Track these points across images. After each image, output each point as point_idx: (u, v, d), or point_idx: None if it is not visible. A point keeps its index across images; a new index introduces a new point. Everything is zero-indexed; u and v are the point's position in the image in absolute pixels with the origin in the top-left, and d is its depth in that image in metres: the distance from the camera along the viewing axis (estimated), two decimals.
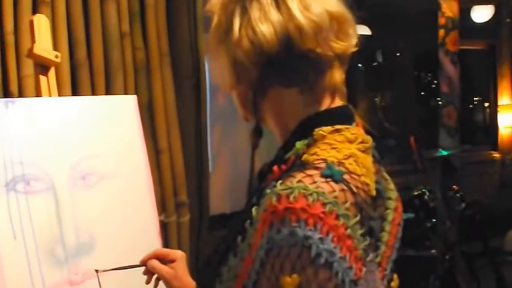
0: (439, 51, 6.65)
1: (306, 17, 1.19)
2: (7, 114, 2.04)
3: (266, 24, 1.18)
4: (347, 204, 1.09)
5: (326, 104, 1.26)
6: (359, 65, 8.58)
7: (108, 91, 2.88)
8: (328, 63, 1.22)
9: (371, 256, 1.17)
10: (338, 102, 1.28)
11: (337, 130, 1.21)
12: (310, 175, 1.10)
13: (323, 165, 1.12)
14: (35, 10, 2.58)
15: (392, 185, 1.40)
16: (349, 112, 1.30)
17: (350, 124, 1.25)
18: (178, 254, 1.73)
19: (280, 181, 1.11)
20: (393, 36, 8.40)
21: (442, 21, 6.62)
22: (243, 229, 1.18)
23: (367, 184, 1.16)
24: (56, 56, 2.19)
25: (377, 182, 1.22)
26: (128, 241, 2.32)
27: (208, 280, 1.26)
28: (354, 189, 1.12)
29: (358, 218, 1.11)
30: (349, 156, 1.17)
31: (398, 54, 8.87)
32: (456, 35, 6.63)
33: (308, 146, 1.20)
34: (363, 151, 1.21)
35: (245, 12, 1.21)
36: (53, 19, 2.65)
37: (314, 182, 1.09)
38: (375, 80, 8.67)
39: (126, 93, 2.94)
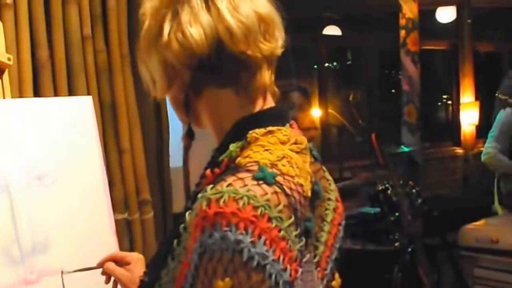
0: (400, 51, 6.70)
1: (235, 18, 1.17)
2: None
3: (195, 26, 1.16)
4: (280, 207, 1.07)
5: (259, 105, 1.23)
6: (335, 63, 8.62)
7: (71, 92, 2.84)
8: (257, 64, 1.20)
9: (308, 256, 1.15)
10: (270, 103, 1.26)
11: (270, 132, 1.19)
12: (241, 179, 1.07)
13: (255, 167, 1.10)
14: None
15: (333, 186, 1.39)
16: (282, 113, 1.28)
17: (283, 125, 1.23)
18: (135, 257, 1.72)
19: (211, 186, 1.08)
20: (361, 36, 8.43)
21: (402, 22, 6.68)
22: (179, 233, 1.16)
23: (301, 185, 1.14)
24: (9, 59, 2.15)
25: (314, 183, 1.21)
26: (83, 240, 2.28)
27: (148, 283, 1.25)
28: (288, 191, 1.09)
29: (292, 219, 1.08)
30: (282, 158, 1.14)
31: (366, 53, 8.91)
32: (416, 36, 6.68)
33: (242, 148, 1.18)
34: (297, 152, 1.19)
35: (175, 16, 1.19)
36: (15, 21, 2.61)
37: (245, 186, 1.06)
38: (347, 78, 8.71)
39: (89, 94, 2.89)
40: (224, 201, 1.03)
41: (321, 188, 1.26)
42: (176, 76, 1.21)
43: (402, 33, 6.69)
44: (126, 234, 3.08)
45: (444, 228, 4.79)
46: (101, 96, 2.99)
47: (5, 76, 2.18)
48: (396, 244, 4.59)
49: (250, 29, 1.18)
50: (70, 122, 2.33)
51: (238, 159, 1.15)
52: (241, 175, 1.08)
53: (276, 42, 1.23)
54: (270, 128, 1.19)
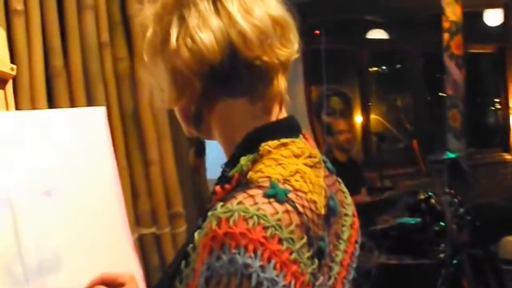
0: (444, 54, 6.55)
1: (248, 22, 1.11)
2: None
3: (205, 31, 1.10)
4: (292, 227, 1.02)
5: (275, 115, 1.18)
6: (377, 67, 8.52)
7: (90, 102, 2.74)
8: (273, 71, 1.14)
9: (321, 279, 1.09)
10: (284, 113, 1.21)
11: (284, 144, 1.13)
12: (252, 196, 1.03)
13: (267, 183, 1.05)
14: (8, 20, 2.45)
15: (349, 199, 1.32)
16: (295, 123, 1.22)
17: (296, 136, 1.18)
18: (127, 277, 1.65)
19: (221, 203, 1.03)
20: (404, 39, 8.31)
21: (446, 25, 6.54)
22: (187, 253, 1.12)
23: (315, 202, 1.08)
24: (12, 69, 2.05)
25: (330, 198, 1.15)
26: (97, 257, 2.17)
27: None
28: (300, 209, 1.04)
29: (304, 240, 1.03)
30: (296, 172, 1.09)
31: (410, 56, 8.79)
32: (460, 39, 6.52)
33: (254, 162, 1.12)
34: (311, 166, 1.13)
35: (183, 21, 1.12)
36: (27, 28, 2.52)
37: (256, 204, 1.01)
38: (391, 82, 8.61)
39: (108, 103, 2.79)
40: (234, 221, 0.99)
41: (337, 203, 1.20)
42: (187, 85, 1.14)
43: (446, 36, 6.53)
44: (155, 249, 2.95)
45: (487, 239, 4.60)
46: (122, 105, 2.88)
47: (9, 87, 2.08)
48: (441, 255, 4.44)
49: (265, 33, 1.12)
50: (82, 134, 2.23)
51: (250, 174, 1.10)
52: (251, 191, 1.04)
53: (292, 47, 1.18)
54: (284, 140, 1.14)
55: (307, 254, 1.03)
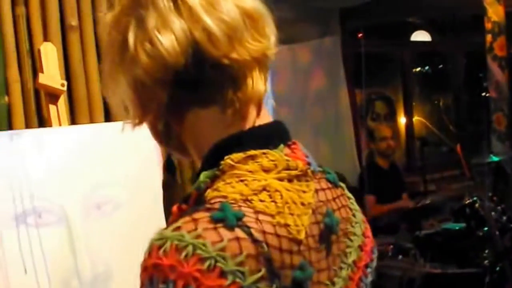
0: (487, 56, 6.44)
1: (213, 17, 0.96)
2: (12, 147, 1.95)
3: (165, 33, 0.95)
4: (241, 257, 0.85)
5: (250, 122, 1.01)
6: (421, 69, 8.44)
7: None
8: (246, 69, 0.98)
9: None
10: (266, 119, 1.03)
11: (251, 157, 0.96)
12: (195, 220, 0.87)
13: (217, 205, 0.89)
14: (64, 35, 2.51)
15: (359, 217, 1.13)
16: (277, 130, 1.04)
17: (274, 147, 0.99)
18: None
19: (162, 228, 0.89)
20: (447, 40, 8.22)
21: (488, 26, 6.42)
22: None
23: (286, 225, 0.91)
24: (62, 85, 2.09)
25: (325, 214, 0.99)
26: None
27: None
28: (257, 236, 0.88)
29: (262, 272, 0.86)
30: (262, 190, 0.93)
31: (452, 58, 8.68)
32: (503, 40, 6.40)
33: (214, 178, 0.96)
34: (289, 180, 0.96)
35: (141, 24, 0.98)
36: (82, 43, 2.56)
37: (195, 230, 0.86)
38: (434, 84, 8.50)
39: None
40: (165, 250, 0.85)
41: (337, 220, 1.02)
42: (151, 98, 0.99)
43: (489, 37, 6.41)
44: None
45: None
46: None
47: (60, 102, 2.11)
48: (486, 262, 4.36)
49: (234, 27, 0.97)
50: (129, 148, 2.26)
51: (207, 192, 0.95)
52: (197, 215, 0.88)
53: (267, 40, 1.01)
54: (252, 152, 0.97)
55: None
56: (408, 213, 5.21)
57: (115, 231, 2.14)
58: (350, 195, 1.14)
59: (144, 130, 2.26)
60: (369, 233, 1.13)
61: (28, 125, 2.40)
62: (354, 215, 1.10)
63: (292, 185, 0.97)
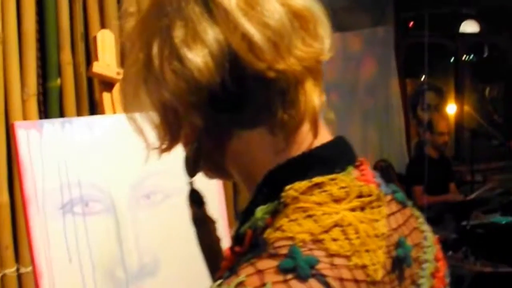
0: None
1: (255, 21, 0.79)
2: (64, 134, 1.90)
3: (195, 46, 0.79)
4: None
5: (307, 143, 0.85)
6: (471, 58, 8.28)
7: None
8: (297, 82, 0.82)
9: None
10: (325, 137, 0.87)
11: (317, 185, 0.81)
12: (260, 272, 0.73)
13: (285, 250, 0.75)
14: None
15: (431, 239, 0.97)
16: (342, 149, 0.89)
17: (342, 169, 0.84)
18: None
19: (219, 282, 0.76)
20: (497, 29, 8.05)
21: None
22: None
23: (364, 267, 0.77)
24: (118, 73, 2.02)
25: (397, 245, 0.85)
26: (194, 259, 2.13)
27: None
28: (334, 285, 0.74)
29: None
30: (334, 226, 0.78)
31: (503, 47, 8.49)
32: None
33: (274, 214, 0.81)
34: (362, 209, 0.81)
35: (166, 36, 0.82)
36: None
37: (263, 286, 0.71)
38: (484, 74, 8.32)
39: None
40: None
41: (409, 248, 0.87)
42: (182, 123, 0.85)
43: None
44: None
45: None
46: None
47: (115, 90, 2.07)
48: None
49: (280, 32, 0.80)
50: None
51: (267, 232, 0.79)
52: (261, 264, 0.74)
53: (320, 44, 0.84)
54: (318, 179, 0.81)
55: None
56: (455, 204, 5.10)
57: (164, 222, 2.08)
58: (418, 213, 0.98)
59: None
60: (440, 255, 0.98)
61: (79, 109, 2.36)
62: (425, 238, 0.95)
63: (364, 214, 0.81)
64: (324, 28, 0.85)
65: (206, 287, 1.71)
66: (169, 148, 0.92)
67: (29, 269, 2.22)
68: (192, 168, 0.92)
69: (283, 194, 0.81)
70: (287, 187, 0.81)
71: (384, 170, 4.99)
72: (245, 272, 0.73)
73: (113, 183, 1.98)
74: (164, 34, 0.82)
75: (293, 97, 0.82)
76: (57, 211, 1.85)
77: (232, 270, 0.76)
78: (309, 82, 0.83)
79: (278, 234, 0.77)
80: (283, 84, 0.81)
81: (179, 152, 2.07)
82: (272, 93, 0.81)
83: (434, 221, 4.81)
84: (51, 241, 1.83)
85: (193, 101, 0.81)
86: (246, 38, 0.78)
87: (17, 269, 2.22)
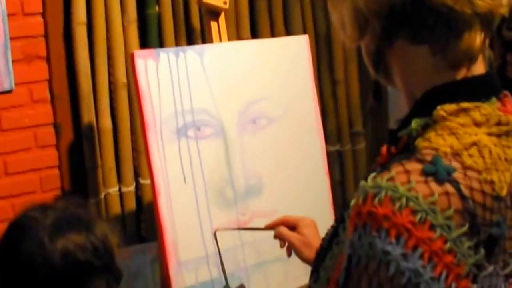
0: None
1: None
2: (178, 63, 1.95)
3: None
4: (449, 212, 0.83)
5: (462, 72, 0.92)
6: None
7: (287, 26, 2.71)
8: (465, 23, 0.89)
9: (491, 269, 0.88)
10: (478, 70, 0.94)
11: (464, 110, 0.90)
12: (407, 171, 0.84)
13: (429, 157, 0.85)
14: None
15: None
16: (489, 83, 0.96)
17: (486, 99, 0.92)
18: (307, 221, 1.53)
19: (373, 174, 0.86)
20: None
21: None
22: (342, 217, 0.97)
23: (491, 182, 0.86)
24: (225, 3, 2.03)
25: None
26: (295, 180, 2.19)
27: (316, 263, 1.06)
28: (465, 192, 0.84)
29: (465, 228, 0.83)
30: (472, 145, 0.87)
31: None
32: None
33: (425, 127, 0.91)
34: (498, 135, 0.90)
35: None
36: None
37: (408, 182, 0.83)
38: None
39: (304, 27, 2.76)
40: (379, 200, 0.83)
41: None
42: (367, 25, 0.95)
43: None
44: (337, 164, 2.94)
45: None
46: (316, 28, 2.83)
47: (221, 19, 2.08)
48: None
49: None
50: (286, 62, 2.22)
51: (418, 140, 0.90)
52: (409, 165, 0.85)
53: (498, 1, 0.90)
54: (465, 104, 0.90)
55: (468, 244, 0.84)
56: None
57: (269, 145, 2.13)
58: None
59: (298, 45, 2.21)
60: None
61: (177, 37, 2.36)
62: None
63: (499, 140, 0.90)
64: None
65: (304, 205, 1.74)
66: (353, 42, 1.01)
67: (132, 188, 2.30)
68: (375, 64, 1.01)
69: (434, 112, 0.90)
70: (439, 107, 0.90)
71: None
72: (395, 170, 0.85)
73: (223, 109, 2.03)
74: None
75: (458, 33, 0.90)
76: (172, 135, 1.92)
77: (385, 167, 0.87)
78: (476, 27, 0.90)
79: (426, 143, 0.88)
80: (451, 20, 0.89)
81: (279, 82, 2.11)
82: (440, 23, 0.89)
83: None
84: (168, 163, 1.91)
85: (376, 10, 0.92)
86: None
87: (119, 189, 2.29)
